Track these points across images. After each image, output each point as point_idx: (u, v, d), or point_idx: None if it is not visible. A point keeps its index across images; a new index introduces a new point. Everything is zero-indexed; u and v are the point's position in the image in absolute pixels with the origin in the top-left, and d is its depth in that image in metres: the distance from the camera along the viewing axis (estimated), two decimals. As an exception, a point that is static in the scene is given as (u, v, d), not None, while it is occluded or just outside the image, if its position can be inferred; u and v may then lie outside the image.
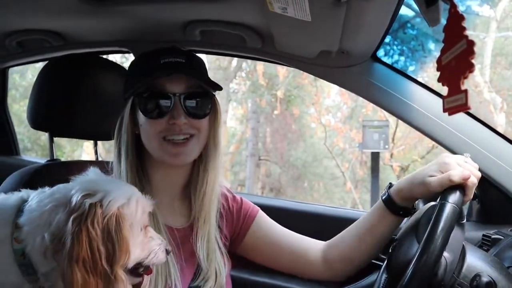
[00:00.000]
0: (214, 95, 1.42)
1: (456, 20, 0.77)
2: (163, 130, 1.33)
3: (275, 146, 12.19)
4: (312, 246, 1.54)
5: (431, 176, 1.25)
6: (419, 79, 1.73)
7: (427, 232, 1.08)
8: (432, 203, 1.33)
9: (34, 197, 1.04)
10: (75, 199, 0.98)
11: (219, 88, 1.40)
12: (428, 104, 1.64)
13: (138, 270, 1.11)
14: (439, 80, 0.81)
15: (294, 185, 12.15)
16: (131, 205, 1.05)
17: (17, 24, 1.81)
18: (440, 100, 1.62)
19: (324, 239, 1.58)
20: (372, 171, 8.37)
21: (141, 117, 1.35)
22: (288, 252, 1.53)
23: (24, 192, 1.08)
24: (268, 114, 11.97)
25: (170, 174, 1.44)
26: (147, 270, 1.14)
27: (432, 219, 1.11)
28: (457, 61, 0.76)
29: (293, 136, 12.27)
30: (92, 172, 1.11)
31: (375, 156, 8.11)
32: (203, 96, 1.38)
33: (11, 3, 1.56)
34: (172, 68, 1.33)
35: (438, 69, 0.82)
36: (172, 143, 1.33)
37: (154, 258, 1.12)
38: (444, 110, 0.80)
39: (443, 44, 0.81)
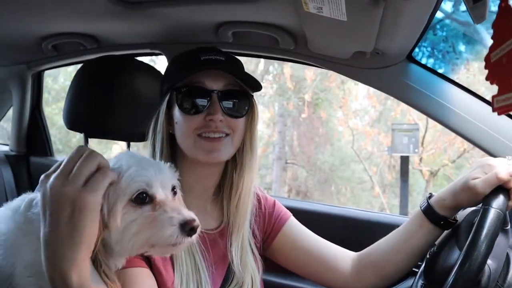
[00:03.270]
0: (253, 96, 1.40)
1: (507, 15, 0.74)
2: (199, 127, 1.31)
3: (302, 149, 12.12)
4: (342, 255, 1.49)
5: (475, 178, 1.21)
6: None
7: (469, 238, 1.05)
8: (473, 208, 1.29)
9: None
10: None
11: (259, 87, 1.38)
12: (466, 105, 1.60)
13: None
14: (487, 78, 0.78)
15: (321, 188, 12.04)
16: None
17: (53, 27, 1.85)
18: (478, 101, 1.60)
19: (353, 242, 1.54)
20: (401, 175, 8.23)
21: (177, 114, 1.35)
22: (316, 259, 1.48)
23: None
24: (295, 118, 11.91)
25: (203, 176, 1.42)
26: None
27: (475, 224, 1.07)
28: (508, 58, 0.72)
29: (320, 139, 12.16)
30: None
31: (405, 160, 7.97)
32: (241, 96, 1.37)
33: (47, 7, 1.59)
34: (211, 64, 1.34)
35: (486, 67, 0.79)
36: (207, 139, 1.31)
37: (164, 238, 0.94)
38: (494, 110, 0.77)
39: (492, 41, 0.78)
